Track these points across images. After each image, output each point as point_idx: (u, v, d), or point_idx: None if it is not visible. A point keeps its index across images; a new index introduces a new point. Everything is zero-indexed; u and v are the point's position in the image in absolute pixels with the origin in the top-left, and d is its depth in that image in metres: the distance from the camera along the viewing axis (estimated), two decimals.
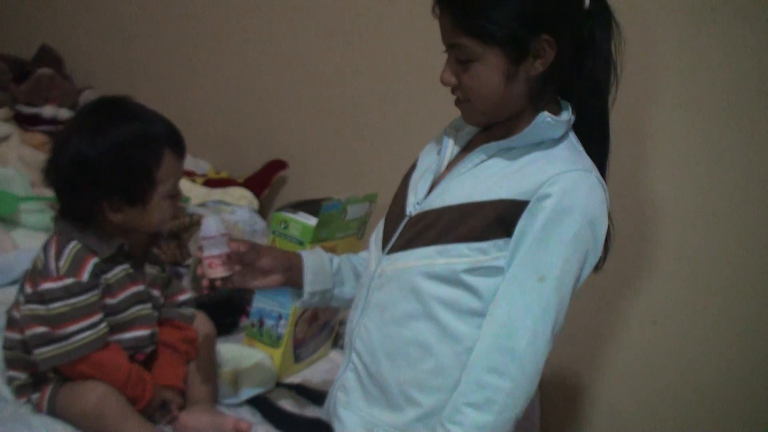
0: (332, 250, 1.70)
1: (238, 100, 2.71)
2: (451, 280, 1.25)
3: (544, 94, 1.27)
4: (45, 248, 1.38)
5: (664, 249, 1.82)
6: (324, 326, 1.82)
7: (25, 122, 2.60)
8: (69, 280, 1.34)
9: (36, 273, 1.36)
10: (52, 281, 1.33)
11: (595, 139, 1.31)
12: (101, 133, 1.36)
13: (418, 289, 1.27)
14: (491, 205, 1.23)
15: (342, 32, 2.40)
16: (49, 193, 2.07)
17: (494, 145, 1.28)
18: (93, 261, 1.37)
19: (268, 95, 2.62)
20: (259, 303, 1.72)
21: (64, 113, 2.71)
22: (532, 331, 1.20)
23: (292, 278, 1.38)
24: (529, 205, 1.20)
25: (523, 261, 1.21)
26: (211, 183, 2.45)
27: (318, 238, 1.66)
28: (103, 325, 1.37)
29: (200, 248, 1.28)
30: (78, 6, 3.09)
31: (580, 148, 1.28)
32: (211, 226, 1.26)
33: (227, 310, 1.84)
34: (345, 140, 2.45)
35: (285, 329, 1.68)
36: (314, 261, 1.41)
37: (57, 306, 1.32)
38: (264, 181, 2.50)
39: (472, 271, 1.24)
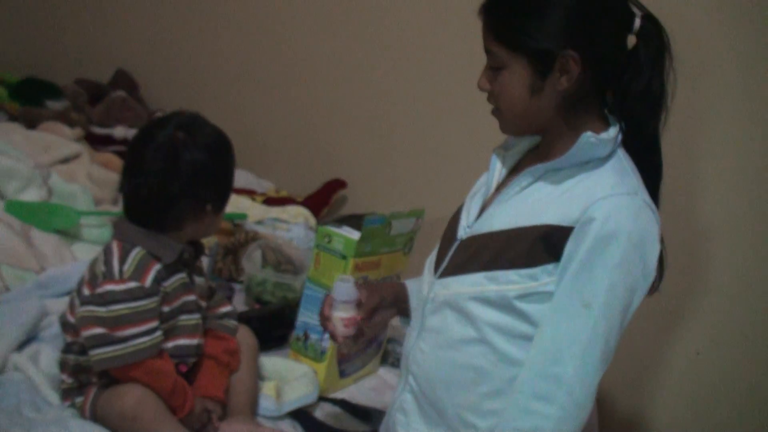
0: (377, 265, 1.71)
1: (299, 121, 2.76)
2: (503, 306, 1.24)
3: (580, 111, 1.24)
4: (106, 252, 1.41)
5: (717, 272, 1.75)
6: (371, 342, 1.82)
7: (97, 142, 2.70)
8: (132, 284, 1.37)
9: (95, 276, 1.39)
10: (114, 283, 1.36)
11: (646, 160, 1.27)
12: (214, 145, 1.45)
13: (470, 315, 1.27)
14: (537, 230, 1.22)
15: (402, 57, 2.42)
16: (111, 208, 2.16)
17: (540, 167, 1.26)
18: (156, 267, 1.40)
19: (328, 116, 2.66)
20: (304, 317, 1.72)
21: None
22: (580, 359, 1.17)
23: (402, 310, 1.46)
24: (575, 231, 1.18)
25: (568, 287, 1.18)
26: (270, 201, 2.49)
27: (361, 252, 1.66)
28: (159, 332, 1.40)
29: (330, 306, 1.33)
30: (153, 33, 3.20)
31: (629, 166, 1.24)
32: (341, 291, 1.32)
33: (276, 323, 1.85)
34: (404, 160, 2.46)
35: (329, 344, 1.68)
36: (417, 287, 1.45)
37: (117, 308, 1.35)
38: (323, 200, 2.52)
39: (523, 297, 1.22)
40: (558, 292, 1.20)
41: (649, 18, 1.23)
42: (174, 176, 1.40)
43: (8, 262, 1.76)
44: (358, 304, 1.35)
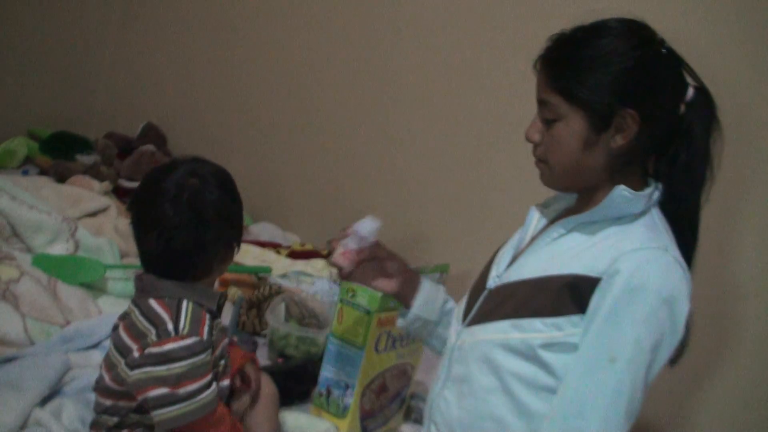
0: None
1: (325, 175, 2.78)
2: (527, 355, 1.23)
3: (626, 172, 1.25)
4: (145, 312, 1.35)
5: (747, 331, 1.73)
6: (394, 398, 1.80)
7: (125, 195, 2.73)
8: (191, 340, 1.32)
9: (142, 335, 1.33)
10: (174, 341, 1.31)
11: (683, 228, 1.27)
12: (225, 183, 1.42)
13: (494, 363, 1.27)
14: (563, 279, 1.22)
15: (428, 113, 2.44)
16: (136, 262, 2.17)
17: (573, 219, 1.28)
18: (207, 318, 1.37)
19: (353, 170, 2.68)
20: (327, 372, 1.71)
21: None
22: (603, 414, 1.16)
23: (404, 292, 1.45)
24: (601, 282, 1.18)
25: (593, 340, 1.18)
26: (295, 255, 2.48)
27: (385, 307, 1.65)
28: (215, 382, 1.37)
29: (343, 236, 1.39)
30: (181, 88, 3.26)
31: (662, 225, 1.25)
32: (366, 225, 1.39)
33: (299, 378, 1.84)
34: (429, 214, 2.47)
35: (352, 399, 1.67)
36: (430, 290, 1.46)
37: (178, 366, 1.30)
38: None
39: (548, 347, 1.22)
40: (583, 344, 1.19)
41: (701, 90, 1.24)
42: (204, 224, 1.36)
43: (34, 315, 1.77)
44: (373, 247, 1.41)
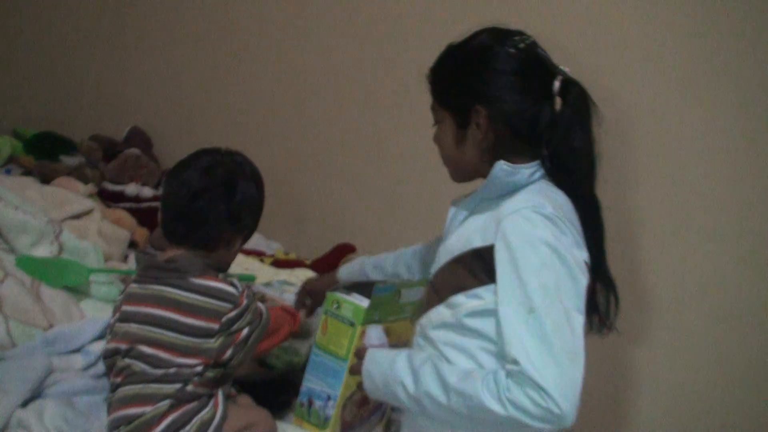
0: (385, 333, 1.71)
1: (310, 184, 2.79)
2: (456, 326, 1.39)
3: (510, 159, 1.38)
4: (204, 291, 1.48)
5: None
6: (375, 410, 1.80)
7: (109, 198, 2.73)
8: (245, 295, 1.52)
9: (217, 314, 1.47)
10: (242, 297, 1.51)
11: (589, 216, 1.40)
12: (256, 178, 1.63)
13: (431, 339, 1.44)
14: (468, 254, 1.37)
15: (413, 122, 2.45)
16: (120, 266, 2.17)
17: (471, 200, 1.47)
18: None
19: (338, 180, 2.69)
20: (309, 383, 1.72)
21: (147, 192, 2.83)
22: (542, 360, 1.21)
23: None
24: (495, 246, 1.30)
25: (508, 299, 1.27)
26: (278, 264, 2.50)
27: (370, 320, 1.66)
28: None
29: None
30: (167, 92, 3.26)
31: (545, 192, 1.36)
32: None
33: (281, 388, 1.85)
34: (414, 226, 2.48)
35: (333, 411, 1.67)
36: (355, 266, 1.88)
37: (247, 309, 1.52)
38: (331, 264, 2.52)
39: (471, 315, 1.36)
40: (500, 307, 1.28)
41: (567, 80, 1.38)
42: (227, 197, 1.54)
43: (17, 317, 1.76)
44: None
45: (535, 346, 1.21)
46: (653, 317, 1.93)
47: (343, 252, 2.56)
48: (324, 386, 1.69)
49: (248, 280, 2.31)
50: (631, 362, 1.96)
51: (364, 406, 1.76)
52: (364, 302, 1.66)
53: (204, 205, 1.52)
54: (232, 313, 1.48)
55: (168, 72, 3.25)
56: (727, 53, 1.80)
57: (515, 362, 1.22)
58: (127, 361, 1.48)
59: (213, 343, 1.48)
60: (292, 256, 2.62)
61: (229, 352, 1.51)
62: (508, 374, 1.23)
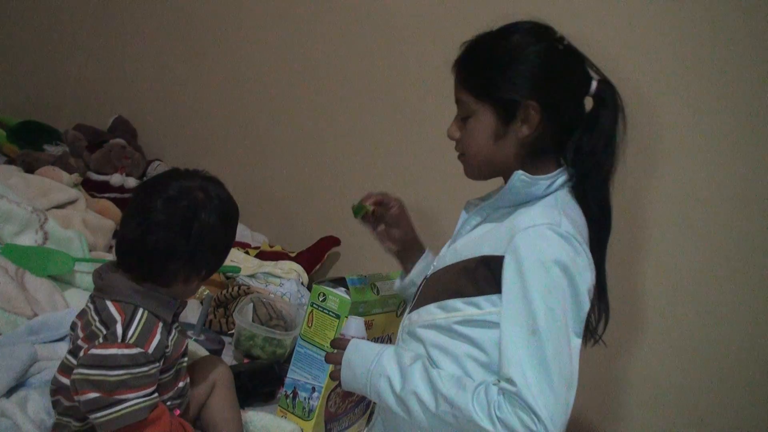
0: (369, 326, 1.72)
1: (295, 176, 2.78)
2: (446, 330, 1.36)
3: (538, 161, 1.36)
4: (100, 311, 1.35)
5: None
6: (359, 402, 1.82)
7: (94, 188, 2.72)
8: (136, 350, 1.30)
9: (93, 335, 1.33)
10: (118, 347, 1.29)
11: (593, 211, 1.37)
12: (227, 213, 1.43)
13: (420, 338, 1.41)
14: (477, 261, 1.33)
15: (400, 117, 2.46)
16: (105, 255, 2.17)
17: (486, 207, 1.43)
18: (159, 329, 1.35)
19: (324, 173, 2.69)
20: (294, 374, 1.73)
21: (132, 182, 2.83)
22: (539, 385, 1.20)
23: (404, 258, 1.68)
24: (505, 259, 1.28)
25: (512, 317, 1.25)
26: (263, 255, 2.49)
27: (355, 312, 1.67)
28: (156, 394, 1.34)
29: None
30: (153, 82, 3.25)
31: (563, 206, 1.33)
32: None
33: (265, 379, 1.85)
34: None
35: (317, 402, 1.69)
36: (429, 262, 1.60)
37: (116, 374, 1.28)
38: (316, 257, 2.53)
39: (464, 323, 1.33)
40: (503, 322, 1.26)
41: (605, 82, 1.36)
42: (184, 235, 1.36)
43: (1, 306, 1.75)
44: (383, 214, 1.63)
45: (533, 370, 1.20)
46: (645, 316, 1.93)
47: (328, 245, 2.57)
48: (309, 378, 1.70)
49: (233, 271, 2.31)
50: (622, 362, 1.97)
51: (348, 398, 1.78)
52: (349, 295, 1.68)
53: (158, 240, 1.35)
54: (98, 351, 1.29)
55: (153, 62, 3.24)
56: (725, 51, 1.79)
57: (511, 382, 1.21)
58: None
59: (73, 374, 1.31)
60: (277, 248, 2.63)
61: (75, 399, 1.33)
62: (501, 392, 1.22)
